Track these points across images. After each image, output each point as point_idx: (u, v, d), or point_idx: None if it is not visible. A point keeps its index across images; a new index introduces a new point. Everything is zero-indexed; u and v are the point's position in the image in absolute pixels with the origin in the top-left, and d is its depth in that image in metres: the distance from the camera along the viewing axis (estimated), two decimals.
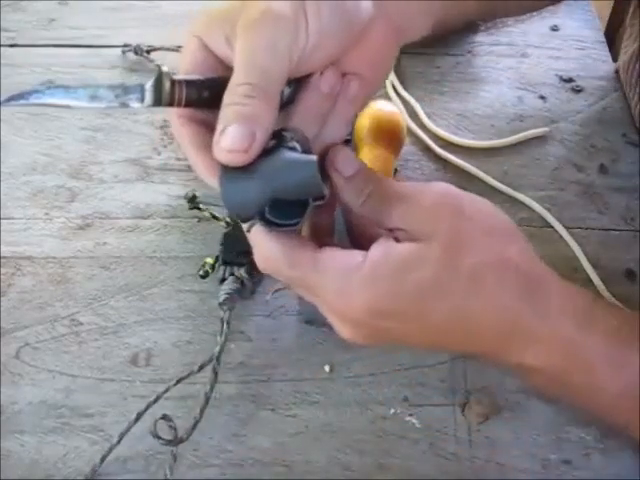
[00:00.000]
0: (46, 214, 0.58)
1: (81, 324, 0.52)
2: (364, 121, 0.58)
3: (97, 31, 0.71)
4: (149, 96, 0.35)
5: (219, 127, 0.33)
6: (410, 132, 0.64)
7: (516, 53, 0.72)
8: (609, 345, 0.38)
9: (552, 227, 0.59)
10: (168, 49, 0.67)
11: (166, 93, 0.35)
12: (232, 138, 0.33)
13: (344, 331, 0.38)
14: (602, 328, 0.38)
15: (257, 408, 0.48)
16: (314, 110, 0.37)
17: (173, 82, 0.35)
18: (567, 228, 0.58)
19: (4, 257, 0.55)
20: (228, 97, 0.34)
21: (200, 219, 0.57)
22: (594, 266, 0.56)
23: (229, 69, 0.35)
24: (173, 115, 0.38)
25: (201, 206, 0.55)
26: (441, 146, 0.63)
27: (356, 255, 0.36)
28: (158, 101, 0.35)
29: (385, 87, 0.68)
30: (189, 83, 0.36)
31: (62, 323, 0.52)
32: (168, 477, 0.45)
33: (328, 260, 0.36)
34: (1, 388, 0.49)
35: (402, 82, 0.68)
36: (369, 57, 0.39)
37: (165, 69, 0.35)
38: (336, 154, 0.37)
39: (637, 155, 0.64)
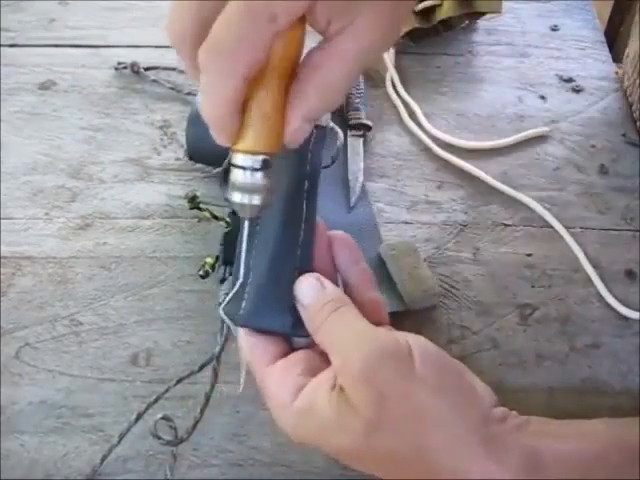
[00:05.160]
0: (46, 214, 0.58)
1: (81, 324, 0.52)
2: None
3: (97, 31, 0.71)
4: None
5: None
6: (410, 132, 0.64)
7: (516, 53, 0.72)
8: None
9: (552, 227, 0.59)
10: (166, 68, 0.67)
11: None
12: None
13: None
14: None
15: (257, 408, 0.48)
16: None
17: None
18: (567, 228, 0.58)
19: (4, 257, 0.55)
20: None
21: (200, 219, 0.57)
22: (594, 266, 0.56)
23: None
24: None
25: (201, 206, 0.55)
26: (441, 146, 0.63)
27: (288, 392, 0.36)
28: None
29: (385, 87, 0.68)
30: None
31: (62, 323, 0.52)
32: (168, 477, 0.45)
33: (268, 383, 0.37)
34: (1, 388, 0.49)
35: (402, 82, 0.68)
36: None
37: None
38: (301, 281, 0.38)
39: (637, 155, 0.64)
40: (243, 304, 0.38)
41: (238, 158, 0.33)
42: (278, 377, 0.37)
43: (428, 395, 0.34)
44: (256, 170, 0.32)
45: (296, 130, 0.32)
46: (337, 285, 0.40)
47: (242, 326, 0.38)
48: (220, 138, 0.32)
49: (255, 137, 0.32)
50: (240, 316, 0.38)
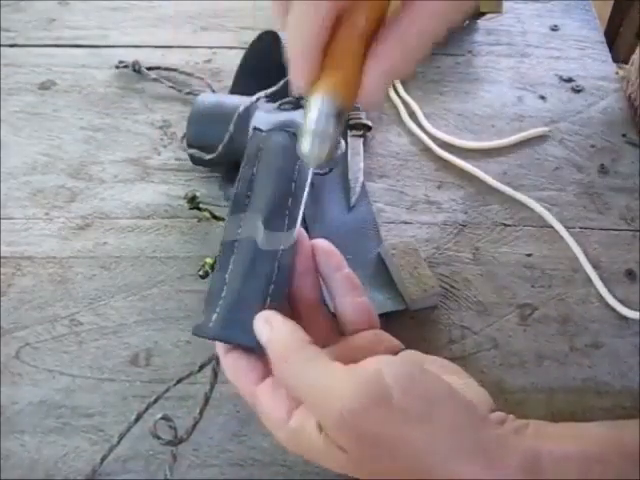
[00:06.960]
0: (46, 214, 0.58)
1: (81, 324, 0.52)
2: None
3: (97, 31, 0.71)
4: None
5: None
6: (410, 132, 0.64)
7: (516, 53, 0.72)
8: None
9: (552, 227, 0.59)
10: (167, 68, 0.67)
11: None
12: None
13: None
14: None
15: None
16: None
17: None
18: (567, 228, 0.58)
19: (4, 257, 0.55)
20: None
21: (200, 219, 0.57)
22: (594, 266, 0.56)
23: None
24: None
25: (201, 206, 0.55)
26: (441, 146, 0.63)
27: (281, 411, 0.36)
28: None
29: None
30: None
31: (62, 323, 0.52)
32: (168, 477, 0.45)
33: (260, 403, 0.37)
34: (1, 388, 0.49)
35: (402, 82, 0.68)
36: None
37: None
38: (257, 319, 0.37)
39: (637, 155, 0.64)
40: (214, 317, 0.38)
41: (314, 99, 0.31)
42: (269, 397, 0.36)
43: (415, 426, 0.33)
44: (330, 116, 0.31)
45: (374, 87, 0.31)
46: (322, 292, 0.40)
47: (211, 338, 0.38)
48: (299, 75, 0.31)
49: (334, 82, 0.31)
50: (209, 329, 0.38)
